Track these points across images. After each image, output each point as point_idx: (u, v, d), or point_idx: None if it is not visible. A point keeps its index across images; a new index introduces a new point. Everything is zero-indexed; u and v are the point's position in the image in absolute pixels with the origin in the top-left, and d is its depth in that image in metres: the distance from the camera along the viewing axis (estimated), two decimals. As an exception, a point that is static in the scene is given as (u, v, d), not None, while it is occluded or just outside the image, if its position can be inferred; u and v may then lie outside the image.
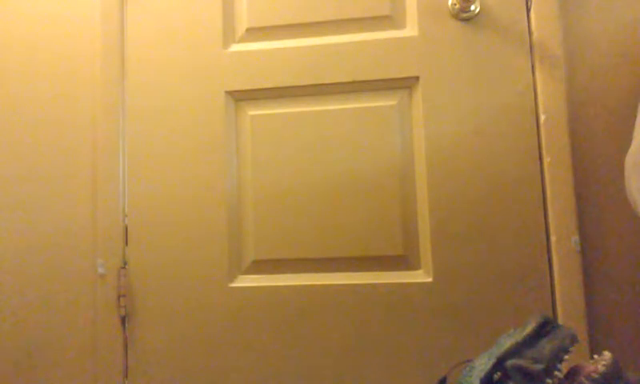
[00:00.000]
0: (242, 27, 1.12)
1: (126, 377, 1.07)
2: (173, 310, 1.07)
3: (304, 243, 1.05)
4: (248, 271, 1.07)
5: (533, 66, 1.02)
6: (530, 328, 0.63)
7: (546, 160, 0.99)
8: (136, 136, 1.11)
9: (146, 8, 1.14)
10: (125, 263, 1.09)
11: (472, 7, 1.03)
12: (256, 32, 1.11)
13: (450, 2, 1.04)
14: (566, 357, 0.61)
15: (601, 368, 0.59)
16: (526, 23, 1.02)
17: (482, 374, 0.61)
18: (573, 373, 0.61)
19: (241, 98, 1.10)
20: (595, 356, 0.61)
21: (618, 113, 0.99)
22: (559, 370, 0.60)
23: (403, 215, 1.03)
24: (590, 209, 0.99)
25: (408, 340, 1.00)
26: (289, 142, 1.08)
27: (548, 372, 0.59)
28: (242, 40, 1.12)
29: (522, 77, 1.02)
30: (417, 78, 1.05)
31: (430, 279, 1.01)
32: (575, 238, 0.97)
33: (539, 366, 0.59)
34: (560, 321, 0.96)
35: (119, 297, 1.08)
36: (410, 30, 1.07)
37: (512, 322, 0.98)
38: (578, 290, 0.96)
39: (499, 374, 0.61)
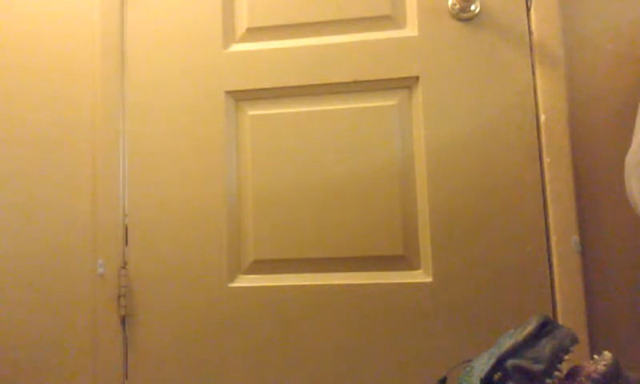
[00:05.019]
0: (242, 27, 1.12)
1: (126, 377, 1.07)
2: (173, 309, 1.07)
3: (304, 243, 1.05)
4: (248, 271, 1.07)
5: (533, 66, 1.02)
6: (530, 328, 0.63)
7: (546, 160, 0.99)
8: (136, 136, 1.11)
9: (146, 7, 1.14)
10: (125, 263, 1.09)
11: (472, 7, 1.03)
12: (256, 32, 1.11)
13: (450, 2, 1.04)
14: (566, 357, 0.61)
15: (601, 368, 0.59)
16: (526, 23, 1.02)
17: (482, 374, 0.61)
18: (573, 373, 0.61)
19: (241, 98, 1.10)
20: (595, 356, 0.61)
21: (618, 113, 0.99)
22: (559, 370, 0.60)
23: (403, 215, 1.03)
24: (590, 209, 0.99)
25: (408, 340, 1.00)
26: (289, 142, 1.08)
27: (548, 372, 0.59)
28: (242, 40, 1.12)
29: (521, 77, 1.02)
30: (417, 78, 1.05)
31: (429, 279, 1.01)
32: (575, 238, 0.97)
33: (539, 366, 0.59)
34: (560, 321, 0.96)
35: (119, 297, 1.08)
36: (410, 30, 1.07)
37: (512, 322, 0.98)
38: (578, 289, 0.96)
39: (499, 374, 0.61)
